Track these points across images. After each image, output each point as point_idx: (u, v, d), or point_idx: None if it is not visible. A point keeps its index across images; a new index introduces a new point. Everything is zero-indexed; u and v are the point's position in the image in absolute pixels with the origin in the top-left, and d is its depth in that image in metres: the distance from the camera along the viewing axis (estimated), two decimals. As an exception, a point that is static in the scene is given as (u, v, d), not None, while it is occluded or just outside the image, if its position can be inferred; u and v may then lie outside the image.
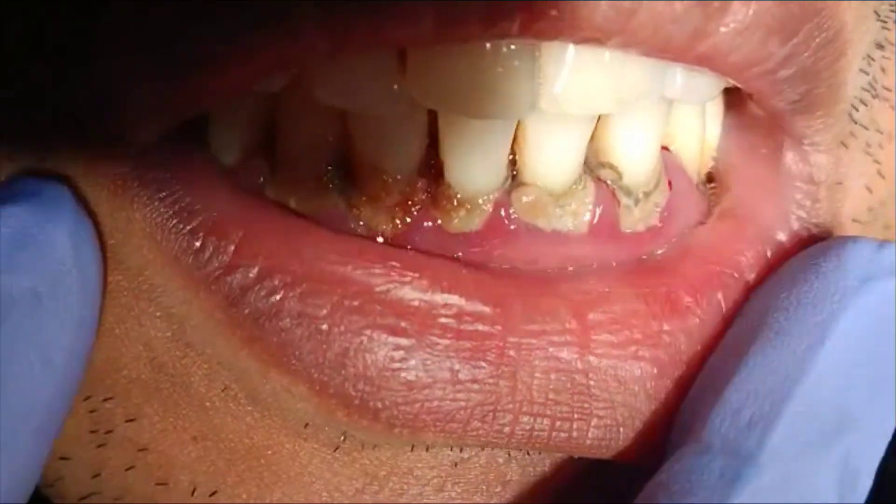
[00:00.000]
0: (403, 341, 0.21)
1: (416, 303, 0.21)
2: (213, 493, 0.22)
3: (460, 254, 0.23)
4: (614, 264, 0.24)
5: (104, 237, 0.21)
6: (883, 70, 0.24)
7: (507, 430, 0.21)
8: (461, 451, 0.22)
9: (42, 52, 0.20)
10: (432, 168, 0.24)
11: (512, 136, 0.24)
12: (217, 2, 0.18)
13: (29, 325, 0.19)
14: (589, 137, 0.24)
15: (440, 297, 0.21)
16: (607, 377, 0.21)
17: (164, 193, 0.21)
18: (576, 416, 0.21)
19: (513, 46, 0.21)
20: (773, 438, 0.19)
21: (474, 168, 0.23)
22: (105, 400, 0.22)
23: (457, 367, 0.21)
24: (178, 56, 0.19)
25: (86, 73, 0.20)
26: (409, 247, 0.23)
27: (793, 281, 0.22)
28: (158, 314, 0.21)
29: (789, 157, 0.24)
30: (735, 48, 0.20)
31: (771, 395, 0.20)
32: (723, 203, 0.25)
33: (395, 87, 0.22)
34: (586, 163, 0.25)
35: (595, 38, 0.19)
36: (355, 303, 0.21)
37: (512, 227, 0.24)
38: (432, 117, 0.23)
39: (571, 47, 0.21)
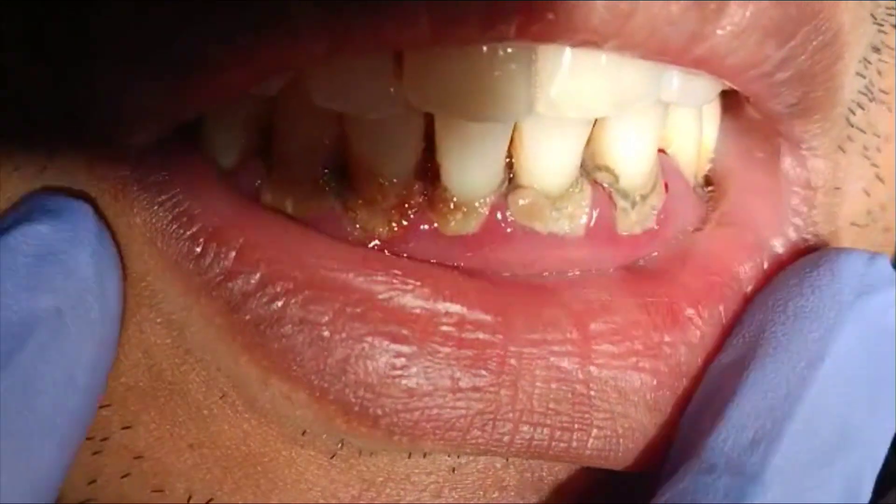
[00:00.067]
0: (405, 349, 0.20)
1: (417, 310, 0.21)
2: (210, 501, 0.22)
3: (457, 256, 0.23)
4: (612, 268, 0.24)
5: None
6: (879, 73, 0.24)
7: (506, 438, 0.21)
8: (458, 456, 0.22)
9: (42, 52, 0.20)
10: (429, 171, 0.24)
11: (508, 139, 0.24)
12: (216, 2, 0.18)
13: (52, 344, 0.19)
14: (585, 140, 0.24)
15: (442, 306, 0.21)
16: (608, 388, 0.21)
17: (164, 197, 0.21)
18: (576, 426, 0.21)
19: (509, 49, 0.21)
20: (777, 457, 0.20)
21: (471, 171, 0.23)
22: (102, 407, 0.21)
23: (458, 375, 0.21)
24: (177, 56, 0.19)
25: (85, 73, 0.20)
26: (405, 249, 0.23)
27: (788, 294, 0.22)
28: (159, 320, 0.21)
29: (787, 162, 0.24)
30: (732, 51, 0.20)
31: (773, 412, 0.20)
32: (721, 208, 0.25)
33: (392, 90, 0.22)
34: (583, 166, 0.25)
35: (592, 41, 0.19)
36: (357, 310, 0.21)
37: (508, 230, 0.24)
38: (429, 120, 0.23)
39: (568, 50, 0.21)
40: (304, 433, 0.21)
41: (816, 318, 0.21)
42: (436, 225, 0.23)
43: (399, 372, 0.20)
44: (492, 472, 0.22)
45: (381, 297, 0.21)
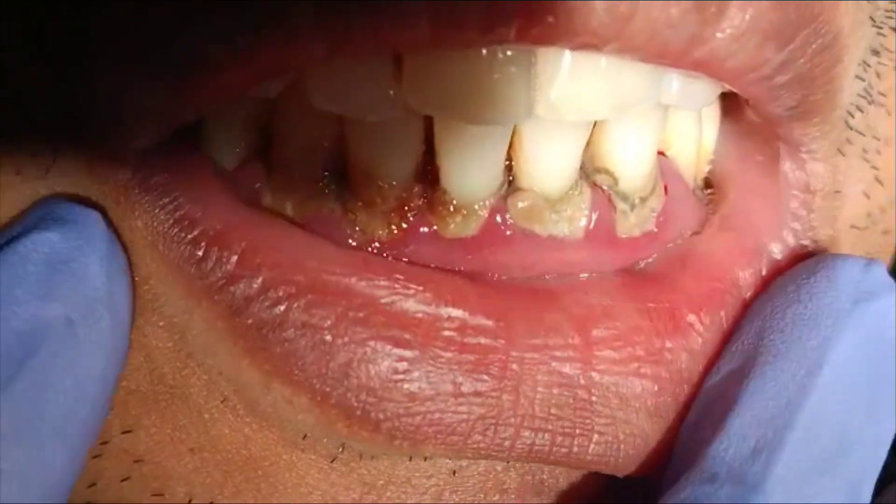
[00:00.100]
0: (407, 353, 0.20)
1: (419, 315, 0.21)
2: None
3: (456, 259, 0.23)
4: (611, 271, 0.24)
5: None
6: (878, 76, 0.24)
7: (507, 443, 0.21)
8: (459, 459, 0.22)
9: (42, 52, 0.20)
10: (428, 173, 0.24)
11: (508, 142, 0.24)
12: (217, 2, 0.18)
13: (63, 353, 0.19)
14: (585, 143, 0.24)
15: (444, 311, 0.21)
16: (609, 393, 0.21)
17: (165, 200, 0.21)
18: (577, 431, 0.21)
19: (509, 52, 0.21)
20: (778, 466, 0.20)
21: (470, 174, 0.23)
22: None
23: (459, 379, 0.21)
24: (177, 56, 0.19)
25: (85, 73, 0.20)
26: (405, 252, 0.23)
27: (786, 301, 0.22)
28: (161, 324, 0.21)
29: (786, 165, 0.24)
30: (731, 54, 0.20)
31: (773, 421, 0.20)
32: (721, 211, 0.25)
33: (392, 92, 0.22)
34: (582, 168, 0.25)
35: (591, 43, 0.19)
36: (360, 314, 0.21)
37: (508, 232, 0.24)
38: (428, 123, 0.23)
39: (568, 53, 0.21)
40: (304, 437, 0.21)
41: (814, 325, 0.21)
42: (435, 227, 0.23)
43: (401, 376, 0.20)
44: (492, 474, 0.22)
45: (383, 301, 0.21)
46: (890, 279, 0.22)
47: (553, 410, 0.21)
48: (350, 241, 0.23)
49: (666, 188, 0.25)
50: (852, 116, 0.24)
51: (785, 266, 0.24)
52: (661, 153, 0.26)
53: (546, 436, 0.21)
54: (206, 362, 0.21)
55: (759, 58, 0.20)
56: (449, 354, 0.21)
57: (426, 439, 0.20)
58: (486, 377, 0.21)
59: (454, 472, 0.22)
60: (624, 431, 0.21)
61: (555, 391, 0.21)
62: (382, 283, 0.21)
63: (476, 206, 0.23)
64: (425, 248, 0.23)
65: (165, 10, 0.19)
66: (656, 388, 0.22)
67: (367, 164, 0.23)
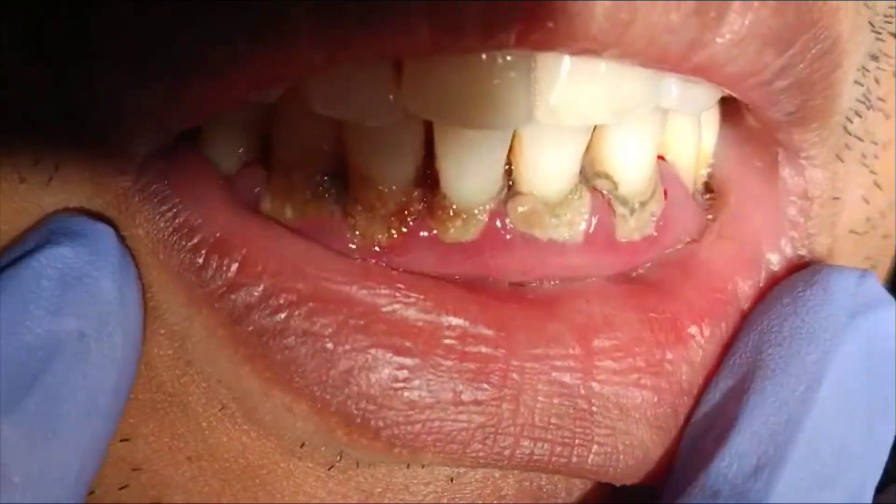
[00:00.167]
0: (407, 361, 0.20)
1: (420, 323, 0.21)
2: None
3: (456, 263, 0.23)
4: (611, 275, 0.24)
5: None
6: (877, 81, 0.24)
7: (507, 452, 0.21)
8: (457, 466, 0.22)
9: (42, 52, 0.20)
10: (428, 178, 0.24)
11: (508, 147, 0.24)
12: (217, 3, 0.18)
13: (76, 367, 0.19)
14: (584, 147, 0.24)
15: (444, 319, 0.21)
16: (609, 404, 0.21)
17: (165, 207, 0.21)
18: (577, 441, 0.21)
19: (508, 57, 0.21)
20: (780, 483, 0.20)
21: (470, 178, 0.23)
22: None
23: (460, 388, 0.21)
24: (177, 56, 0.19)
25: (85, 73, 0.20)
26: (405, 256, 0.23)
27: (783, 313, 0.22)
28: (162, 331, 0.21)
29: (785, 172, 0.24)
30: (731, 59, 0.20)
31: (775, 438, 0.21)
32: (721, 217, 0.25)
33: (391, 97, 0.22)
34: (582, 172, 0.25)
35: (591, 49, 0.19)
36: (360, 322, 0.21)
37: (508, 236, 0.24)
38: (428, 127, 0.23)
39: (567, 58, 0.21)
40: (302, 445, 0.21)
41: (812, 339, 0.21)
42: (435, 232, 0.23)
43: (401, 384, 0.20)
44: (490, 481, 0.22)
45: (384, 309, 0.21)
46: (883, 290, 0.23)
47: (553, 420, 0.21)
48: (350, 245, 0.23)
49: (666, 192, 0.25)
50: (851, 122, 0.24)
51: (781, 276, 0.24)
52: (660, 157, 0.26)
53: (545, 445, 0.21)
54: (206, 370, 0.21)
55: (759, 63, 0.20)
56: (449, 363, 0.21)
57: (425, 447, 0.20)
58: (486, 386, 0.21)
59: (452, 479, 0.22)
60: (623, 442, 0.21)
61: (555, 401, 0.21)
62: (383, 291, 0.21)
63: (476, 211, 0.23)
64: (425, 252, 0.23)
65: (165, 11, 0.19)
66: (656, 399, 0.22)
67: (366, 168, 0.23)
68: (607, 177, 0.25)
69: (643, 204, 0.25)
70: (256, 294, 0.21)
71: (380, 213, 0.23)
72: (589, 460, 0.21)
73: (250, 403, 0.21)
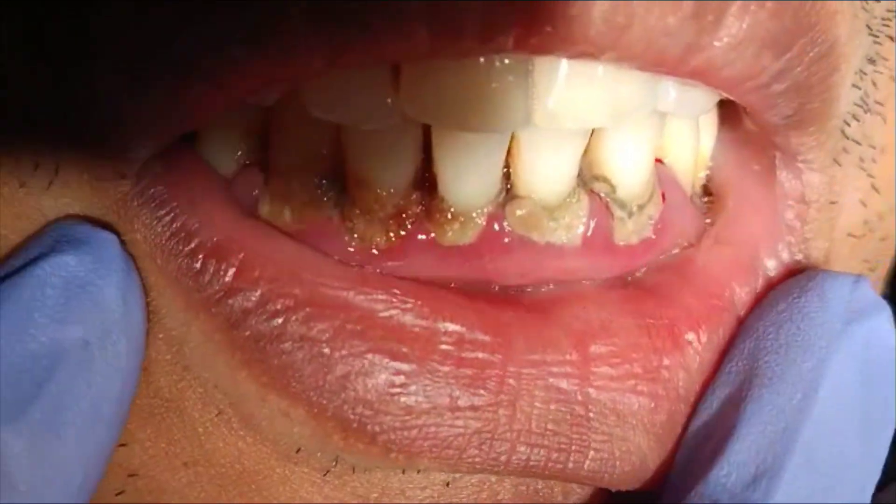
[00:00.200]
0: (404, 366, 0.20)
1: (417, 329, 0.21)
2: None
3: (454, 266, 0.23)
4: (611, 285, 0.24)
5: None
6: (875, 84, 0.24)
7: (503, 458, 0.21)
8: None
9: (42, 52, 0.20)
10: (426, 181, 0.24)
11: (506, 150, 0.24)
12: (217, 3, 0.18)
13: (80, 376, 0.19)
14: (582, 151, 0.24)
15: (441, 325, 0.21)
16: (606, 410, 0.21)
17: (163, 212, 0.21)
18: (573, 447, 0.21)
19: (506, 61, 0.21)
20: (779, 493, 0.20)
21: (468, 182, 0.23)
22: None
23: (456, 393, 0.21)
24: (177, 57, 0.19)
25: (85, 73, 0.20)
26: (403, 259, 0.23)
27: (778, 320, 0.22)
28: (160, 336, 0.21)
29: (783, 176, 0.24)
30: (729, 62, 0.20)
31: (773, 447, 0.21)
32: (719, 221, 0.25)
33: (389, 101, 0.22)
34: (580, 175, 0.25)
35: (589, 52, 0.19)
36: (358, 327, 0.21)
37: (506, 240, 0.24)
38: (426, 131, 0.23)
39: (565, 62, 0.21)
40: (298, 451, 0.21)
41: (808, 347, 0.22)
42: (433, 235, 0.23)
43: (398, 389, 0.20)
44: (486, 485, 0.22)
45: (381, 315, 0.21)
46: (877, 297, 0.23)
47: (549, 426, 0.21)
48: (348, 248, 0.23)
49: (664, 196, 0.25)
50: (848, 125, 0.24)
51: (778, 282, 0.24)
52: (658, 161, 0.26)
53: (542, 451, 0.21)
54: (203, 375, 0.21)
55: (756, 66, 0.20)
56: (446, 368, 0.21)
57: (422, 453, 0.20)
58: (482, 392, 0.21)
59: (448, 484, 0.22)
60: (620, 448, 0.21)
61: (552, 407, 0.21)
62: (380, 296, 0.21)
63: (474, 214, 0.23)
64: (423, 255, 0.23)
65: (165, 11, 0.19)
66: (653, 405, 0.22)
67: (364, 172, 0.23)
68: (605, 180, 0.25)
69: (641, 207, 0.25)
70: (253, 299, 0.21)
71: (378, 216, 0.23)
72: (585, 466, 0.21)
73: (247, 408, 0.21)
